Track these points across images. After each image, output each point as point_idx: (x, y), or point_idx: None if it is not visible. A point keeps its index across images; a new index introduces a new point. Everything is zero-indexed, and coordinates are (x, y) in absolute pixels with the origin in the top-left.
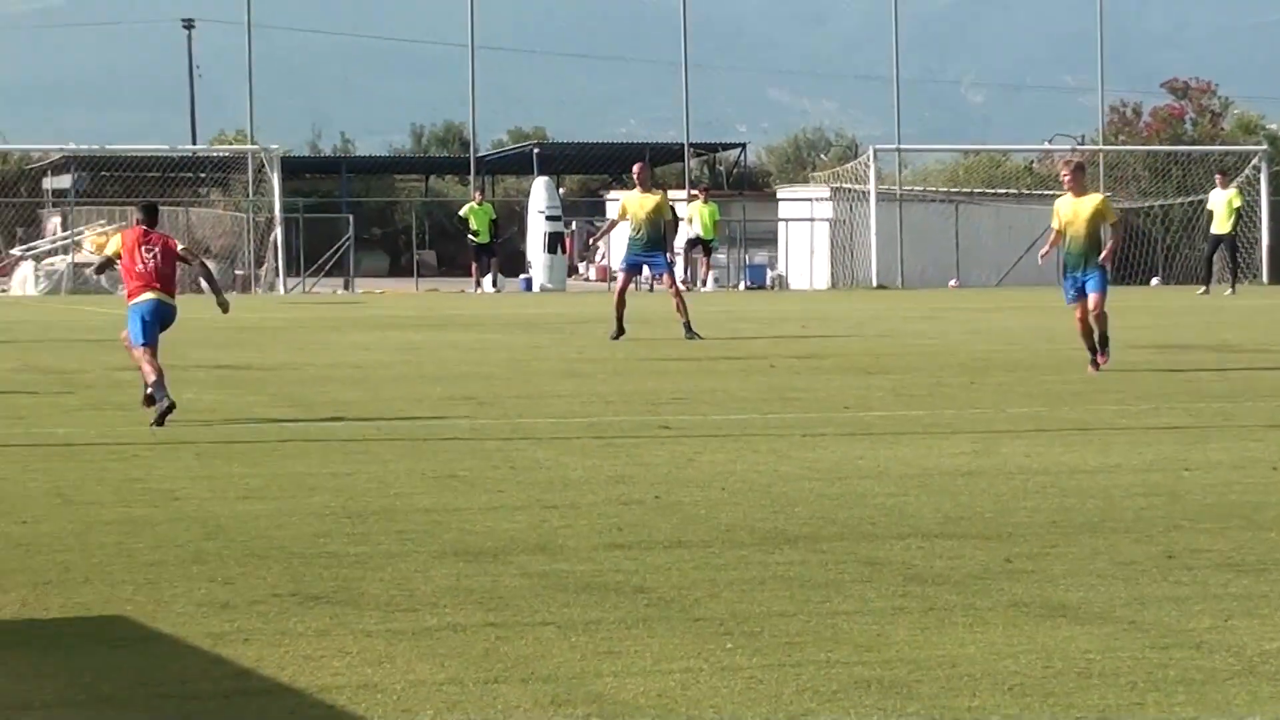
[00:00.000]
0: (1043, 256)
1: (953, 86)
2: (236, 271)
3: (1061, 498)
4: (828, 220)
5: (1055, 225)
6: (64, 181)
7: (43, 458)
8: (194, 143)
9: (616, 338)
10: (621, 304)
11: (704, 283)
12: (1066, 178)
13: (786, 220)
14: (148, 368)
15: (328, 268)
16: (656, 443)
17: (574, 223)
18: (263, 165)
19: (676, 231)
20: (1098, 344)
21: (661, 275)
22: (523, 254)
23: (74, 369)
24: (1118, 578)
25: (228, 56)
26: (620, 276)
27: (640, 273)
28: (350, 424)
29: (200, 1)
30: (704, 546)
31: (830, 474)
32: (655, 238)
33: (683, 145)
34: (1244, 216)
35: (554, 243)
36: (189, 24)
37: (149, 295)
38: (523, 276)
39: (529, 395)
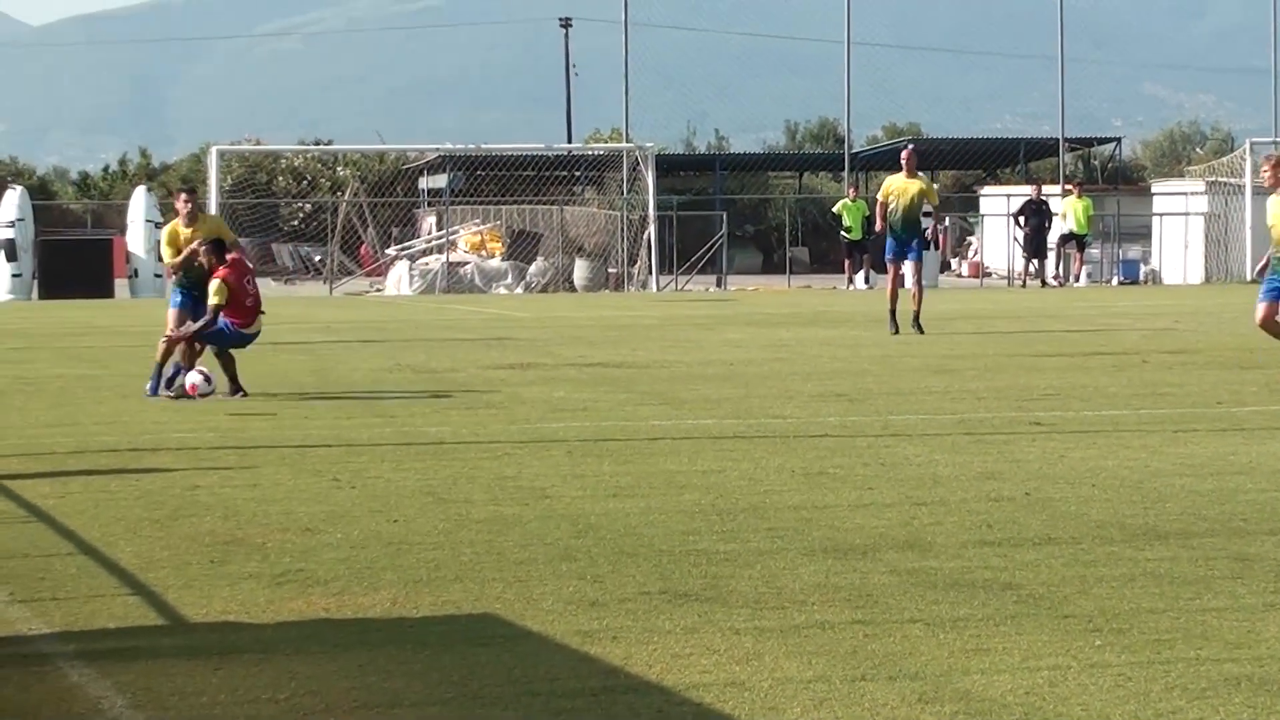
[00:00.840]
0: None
1: None
2: (610, 269)
3: None
4: (1202, 215)
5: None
6: (440, 181)
7: (415, 456)
8: (569, 141)
9: (895, 333)
10: (895, 297)
11: (1077, 278)
12: (1267, 174)
13: (1161, 215)
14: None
15: (700, 265)
16: (1027, 439)
17: (947, 218)
18: (637, 163)
19: (935, 222)
20: None
21: (912, 264)
22: None
23: (446, 368)
24: None
25: (604, 55)
26: (889, 270)
27: (905, 258)
28: (721, 421)
29: (577, 0)
30: (1073, 543)
31: (1202, 469)
32: (913, 224)
33: (1057, 140)
34: None
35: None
36: (566, 23)
37: (257, 328)
38: None
39: (899, 392)
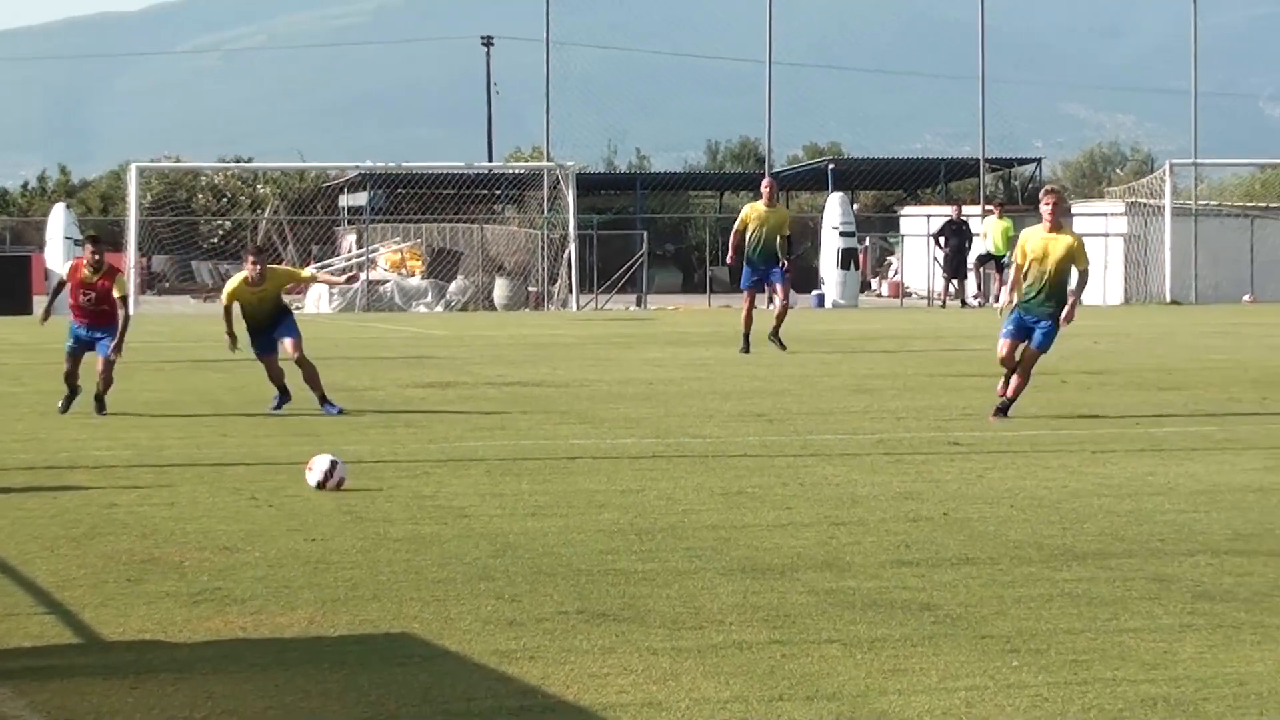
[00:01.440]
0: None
1: (1250, 100)
2: (530, 288)
3: None
4: (1122, 235)
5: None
6: (360, 199)
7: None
8: (490, 159)
9: (746, 351)
10: (749, 321)
11: (996, 298)
12: (1047, 210)
13: (1081, 235)
14: None
15: (621, 284)
16: (946, 459)
17: (868, 239)
18: (558, 182)
19: (791, 249)
20: None
21: (777, 286)
22: (815, 270)
23: (365, 386)
24: None
25: (526, 73)
26: (745, 298)
27: (763, 289)
28: (640, 441)
29: (500, 19)
30: (991, 564)
31: (1120, 490)
32: (772, 251)
33: (978, 160)
34: None
35: (847, 259)
36: (488, 41)
37: None
38: (815, 293)
39: (819, 411)
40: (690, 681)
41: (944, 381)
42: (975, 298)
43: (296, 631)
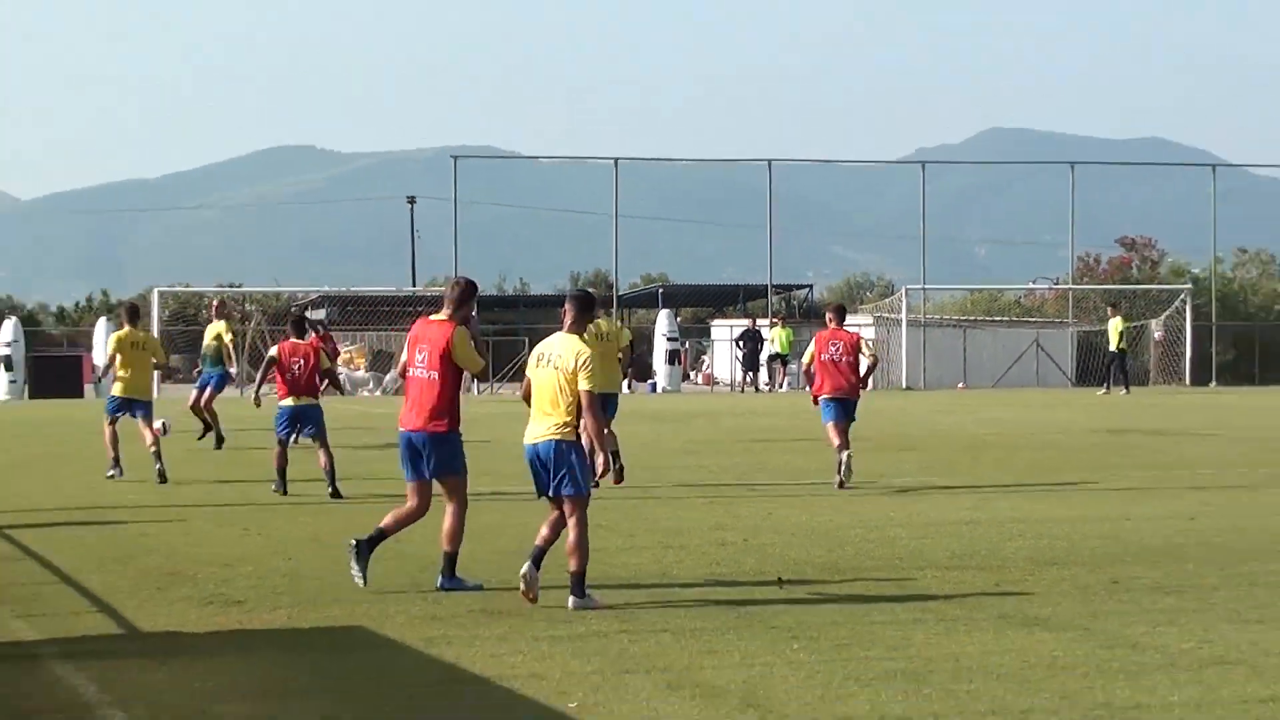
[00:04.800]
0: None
1: (964, 244)
2: None
3: (1036, 540)
4: (871, 339)
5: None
6: (320, 313)
7: (304, 513)
8: (414, 285)
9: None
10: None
11: (781, 385)
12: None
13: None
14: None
15: (508, 377)
16: (746, 500)
17: (687, 343)
18: None
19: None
20: None
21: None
22: (650, 365)
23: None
24: (1077, 598)
25: (439, 222)
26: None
27: None
28: (524, 487)
29: (420, 184)
30: (777, 575)
31: (870, 523)
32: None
33: (767, 286)
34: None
35: (673, 357)
36: (412, 200)
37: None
38: (650, 382)
39: (655, 467)
40: (562, 660)
41: (744, 445)
42: (765, 385)
43: (279, 625)
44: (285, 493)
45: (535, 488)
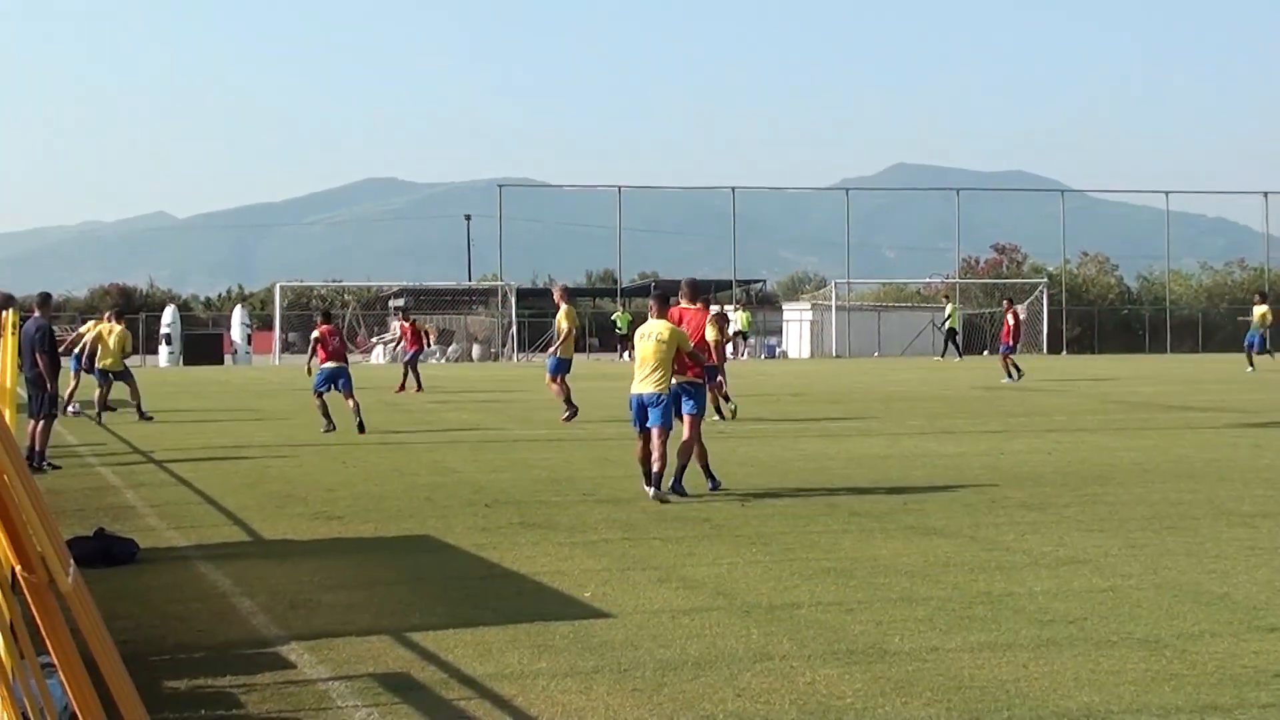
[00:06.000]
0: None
1: (878, 248)
2: (492, 350)
3: (932, 469)
4: (810, 321)
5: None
6: (400, 301)
7: (388, 450)
8: (469, 280)
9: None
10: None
11: (744, 355)
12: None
13: (788, 321)
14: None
15: (541, 347)
16: (722, 439)
17: None
18: (506, 293)
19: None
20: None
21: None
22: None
23: (402, 400)
24: (964, 513)
25: (489, 233)
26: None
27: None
28: (552, 431)
29: (475, 206)
30: (740, 497)
31: (808, 457)
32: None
33: (732, 281)
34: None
35: None
36: (468, 217)
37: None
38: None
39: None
40: (580, 560)
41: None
42: (731, 355)
43: (368, 534)
44: (334, 427)
45: (636, 422)
